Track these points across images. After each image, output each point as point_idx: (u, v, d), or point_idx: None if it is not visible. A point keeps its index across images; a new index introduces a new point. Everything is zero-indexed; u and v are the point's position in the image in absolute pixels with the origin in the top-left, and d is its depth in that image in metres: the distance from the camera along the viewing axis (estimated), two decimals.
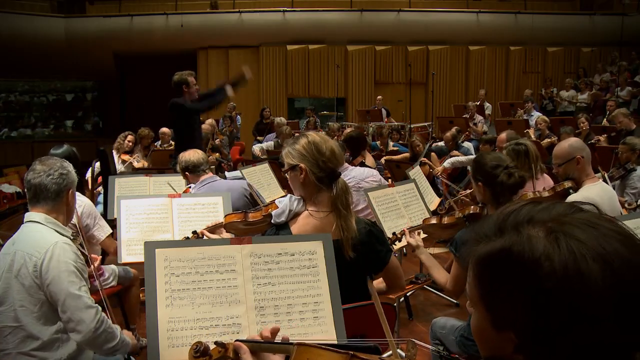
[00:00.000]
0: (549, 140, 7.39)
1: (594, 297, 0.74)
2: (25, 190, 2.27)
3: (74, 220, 2.95)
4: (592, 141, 7.10)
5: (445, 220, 2.92)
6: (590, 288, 0.74)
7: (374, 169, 5.21)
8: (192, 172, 3.56)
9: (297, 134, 8.47)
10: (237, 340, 1.22)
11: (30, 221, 2.19)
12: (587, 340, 0.76)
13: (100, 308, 2.10)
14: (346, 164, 4.34)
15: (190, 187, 3.75)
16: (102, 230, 3.34)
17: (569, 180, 3.17)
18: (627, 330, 0.77)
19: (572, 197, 3.08)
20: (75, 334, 2.04)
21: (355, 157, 5.34)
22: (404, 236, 2.86)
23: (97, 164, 5.92)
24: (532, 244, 0.78)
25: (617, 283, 0.75)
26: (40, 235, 2.12)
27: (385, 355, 1.07)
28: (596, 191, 3.08)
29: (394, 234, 2.95)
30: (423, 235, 3.01)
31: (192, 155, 3.57)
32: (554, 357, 0.78)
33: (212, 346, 1.23)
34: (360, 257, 2.05)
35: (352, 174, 4.12)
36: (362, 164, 5.11)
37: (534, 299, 0.77)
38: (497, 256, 0.81)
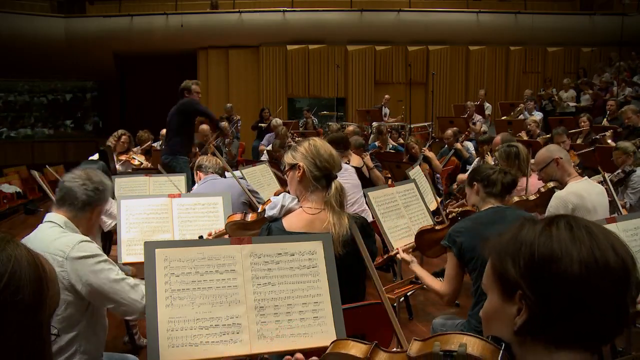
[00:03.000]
0: (544, 137, 7.41)
1: (583, 271, 0.89)
2: (57, 189, 2.23)
3: None
4: (597, 137, 7.11)
5: (439, 227, 3.02)
6: (580, 254, 0.90)
7: (360, 168, 5.27)
8: (200, 170, 4.16)
9: (296, 135, 8.42)
10: None
11: (49, 221, 2.15)
12: (586, 328, 0.92)
13: (140, 283, 2.07)
14: None
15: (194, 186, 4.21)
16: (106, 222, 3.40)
17: (553, 181, 3.26)
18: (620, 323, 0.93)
19: (559, 193, 3.15)
20: (128, 314, 2.08)
21: None
22: (396, 255, 2.99)
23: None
24: (535, 228, 0.97)
25: (617, 280, 0.90)
26: (61, 236, 2.09)
27: (394, 349, 1.14)
28: (581, 186, 3.19)
29: (387, 252, 3.08)
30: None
31: (206, 158, 4.24)
32: (546, 307, 0.92)
33: None
34: (350, 253, 2.09)
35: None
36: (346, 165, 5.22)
37: (533, 271, 0.93)
38: (506, 240, 0.99)
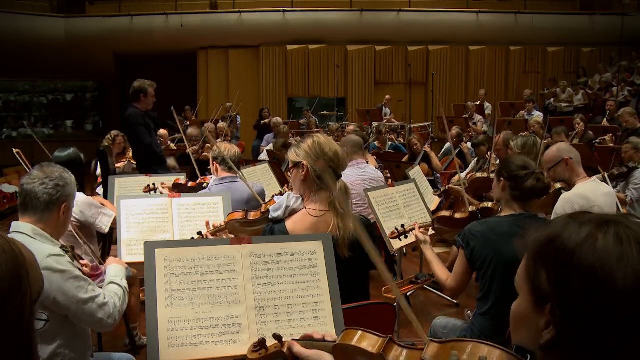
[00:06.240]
0: (545, 141, 7.41)
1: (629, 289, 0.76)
2: (17, 195, 2.13)
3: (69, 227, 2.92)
4: (597, 141, 7.11)
5: (458, 215, 2.93)
6: (625, 277, 0.76)
7: (377, 169, 5.22)
8: (220, 164, 3.61)
9: (297, 135, 8.41)
10: (292, 340, 1.31)
11: (15, 232, 2.03)
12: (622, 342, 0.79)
13: (110, 300, 2.06)
14: (363, 161, 4.44)
15: (210, 177, 3.84)
16: (103, 222, 3.36)
17: (561, 182, 3.23)
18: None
19: (566, 195, 3.13)
20: (95, 330, 2.04)
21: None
22: (412, 231, 2.89)
23: (95, 163, 5.94)
24: (579, 231, 0.83)
25: None
26: (29, 246, 1.97)
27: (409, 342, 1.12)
28: (589, 187, 3.15)
29: (402, 226, 2.94)
30: (431, 232, 3.03)
31: (228, 149, 3.62)
32: (580, 339, 0.81)
33: (270, 341, 1.35)
34: (356, 255, 2.07)
35: (368, 170, 4.35)
36: None
37: (571, 284, 0.81)
38: (545, 241, 0.87)
